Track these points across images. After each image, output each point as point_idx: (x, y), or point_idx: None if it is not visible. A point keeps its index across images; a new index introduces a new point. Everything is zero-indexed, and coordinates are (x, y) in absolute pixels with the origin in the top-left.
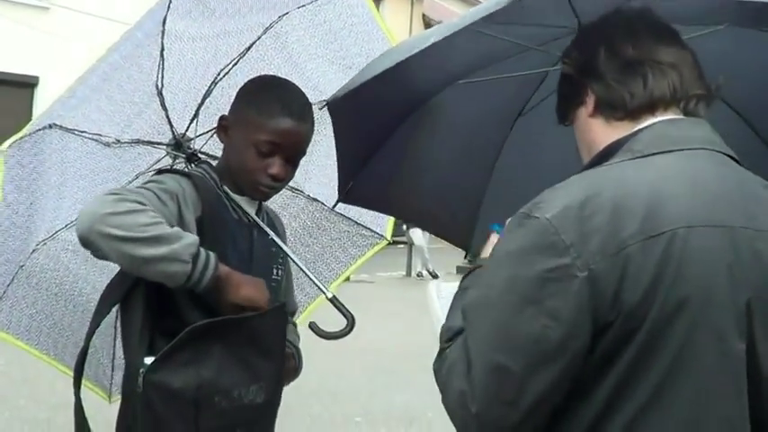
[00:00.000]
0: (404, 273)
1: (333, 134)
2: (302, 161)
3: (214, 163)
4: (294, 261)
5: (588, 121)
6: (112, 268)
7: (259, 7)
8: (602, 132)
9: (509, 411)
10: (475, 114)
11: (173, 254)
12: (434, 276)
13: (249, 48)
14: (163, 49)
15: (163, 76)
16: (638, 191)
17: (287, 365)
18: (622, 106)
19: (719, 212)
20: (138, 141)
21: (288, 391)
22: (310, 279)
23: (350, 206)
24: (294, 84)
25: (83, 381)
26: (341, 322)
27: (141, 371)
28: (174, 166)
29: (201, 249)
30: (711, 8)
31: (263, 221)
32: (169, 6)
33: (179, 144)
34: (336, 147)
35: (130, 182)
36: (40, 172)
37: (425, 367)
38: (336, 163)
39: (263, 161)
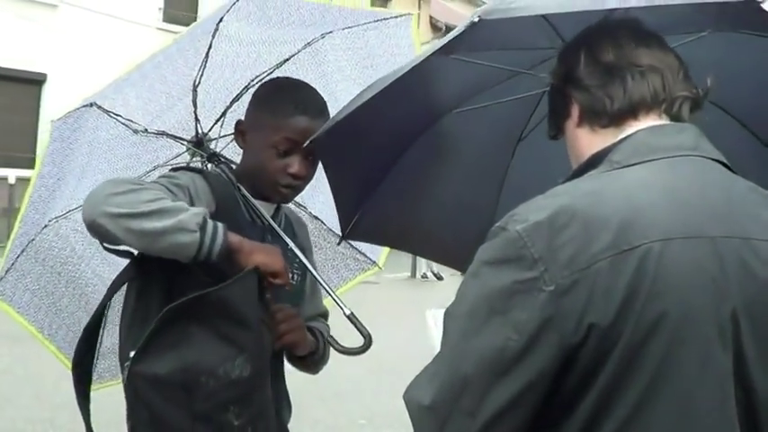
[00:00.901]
0: (409, 274)
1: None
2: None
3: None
4: (311, 271)
5: (575, 132)
6: (114, 257)
7: (309, 23)
8: (588, 142)
9: (468, 422)
10: (476, 142)
11: (180, 224)
12: (439, 278)
13: (287, 59)
14: (210, 48)
15: (202, 74)
16: (613, 204)
17: (310, 341)
18: (604, 112)
19: (699, 223)
20: (163, 133)
21: (291, 393)
22: (328, 293)
23: None
24: (306, 83)
25: (64, 359)
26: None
27: (126, 364)
28: (192, 164)
29: (209, 219)
30: (692, 16)
31: (280, 226)
32: (231, 8)
33: (200, 142)
34: (330, 184)
35: (148, 172)
36: (73, 149)
37: None
38: (334, 200)
39: (282, 161)
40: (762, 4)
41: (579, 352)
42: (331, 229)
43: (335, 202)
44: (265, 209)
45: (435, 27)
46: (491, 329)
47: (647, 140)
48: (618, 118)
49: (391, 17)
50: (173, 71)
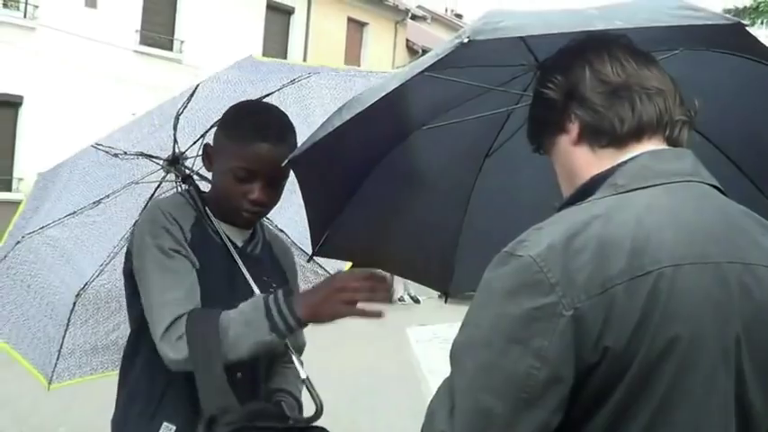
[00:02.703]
0: None
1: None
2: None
3: (208, 185)
4: None
5: (570, 150)
6: (82, 264)
7: (298, 70)
8: (586, 161)
9: None
10: (443, 158)
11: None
12: (416, 301)
13: (271, 93)
14: (198, 85)
15: (186, 106)
16: (623, 228)
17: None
18: (611, 132)
19: (705, 248)
20: (141, 154)
21: None
22: (290, 352)
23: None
24: (273, 106)
25: (27, 364)
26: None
27: None
28: (165, 181)
29: (269, 304)
30: (664, 34)
31: (257, 247)
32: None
33: (176, 160)
34: (305, 203)
35: (123, 186)
36: (54, 180)
37: (407, 391)
38: (306, 217)
39: (242, 187)
40: (747, 27)
41: (594, 372)
42: (294, 243)
43: (308, 219)
44: (238, 233)
45: (412, 50)
46: (512, 359)
47: (650, 165)
48: (622, 140)
49: (380, 72)
50: (159, 108)
